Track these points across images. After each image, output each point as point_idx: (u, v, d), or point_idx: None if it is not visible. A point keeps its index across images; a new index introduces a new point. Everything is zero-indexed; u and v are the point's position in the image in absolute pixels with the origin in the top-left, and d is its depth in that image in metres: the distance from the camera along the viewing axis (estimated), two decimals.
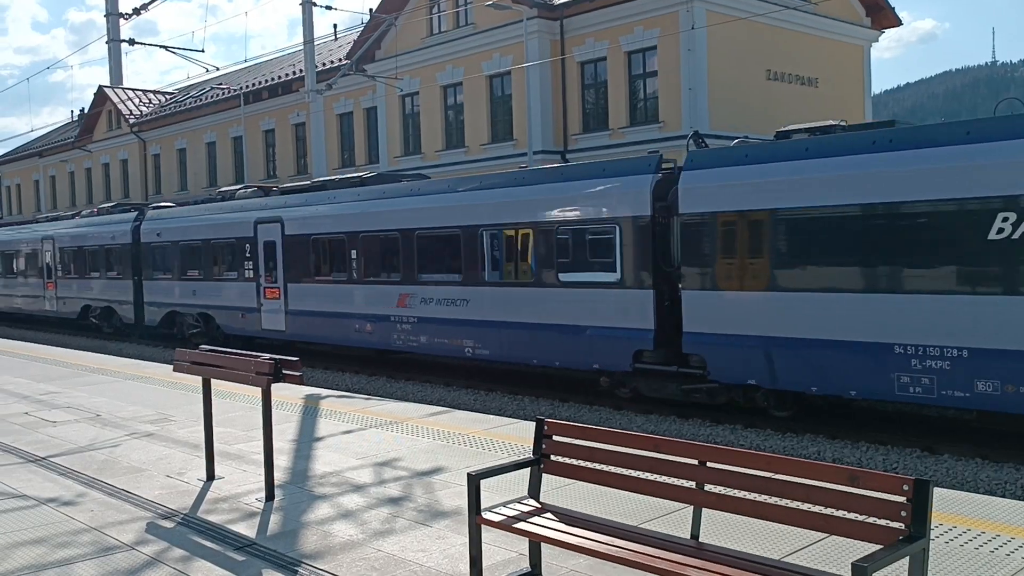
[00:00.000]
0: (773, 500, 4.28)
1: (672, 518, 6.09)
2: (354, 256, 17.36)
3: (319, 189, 19.21)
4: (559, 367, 14.45)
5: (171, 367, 9.53)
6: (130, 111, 44.71)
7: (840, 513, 4.00)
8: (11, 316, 34.20)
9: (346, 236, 17.52)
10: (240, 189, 22.21)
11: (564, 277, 13.68)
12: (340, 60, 32.09)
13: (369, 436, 9.21)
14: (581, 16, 26.02)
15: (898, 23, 30.18)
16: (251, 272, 19.99)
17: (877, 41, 30.35)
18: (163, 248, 23.21)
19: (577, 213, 13.59)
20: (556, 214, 13.84)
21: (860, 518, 3.92)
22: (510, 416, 13.04)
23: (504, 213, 14.62)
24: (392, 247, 16.55)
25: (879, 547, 3.69)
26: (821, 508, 4.06)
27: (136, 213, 25.21)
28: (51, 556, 5.80)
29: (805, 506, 4.13)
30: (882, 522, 3.84)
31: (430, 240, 15.83)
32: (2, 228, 36.10)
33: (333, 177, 20.11)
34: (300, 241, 18.58)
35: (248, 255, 20.00)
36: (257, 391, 7.04)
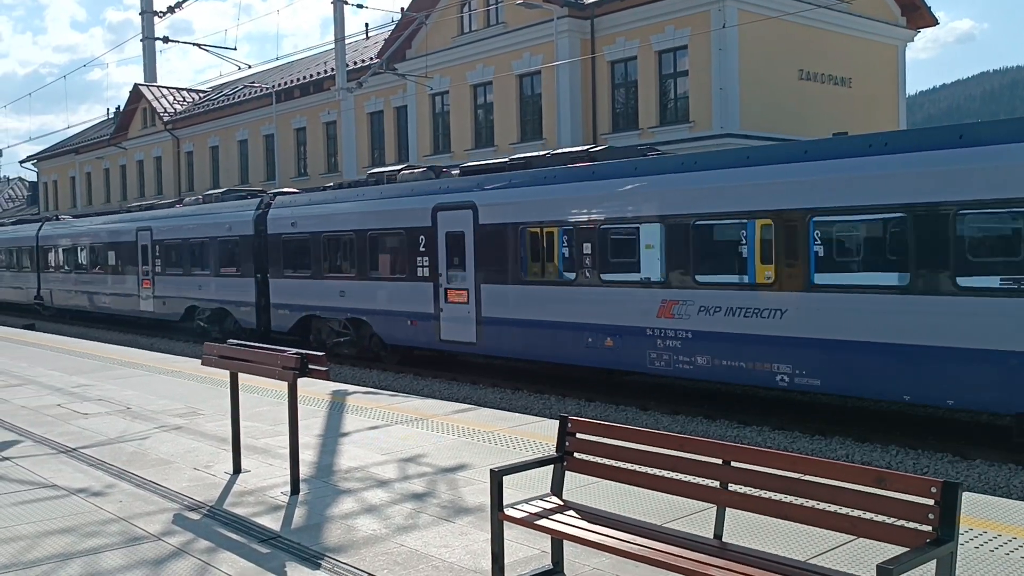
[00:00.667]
0: (798, 501, 4.23)
1: (696, 518, 6.05)
2: (586, 251, 13.89)
3: (522, 167, 15.73)
4: (952, 407, 10.85)
5: (199, 361, 9.63)
6: (164, 109, 45.21)
7: (867, 515, 3.95)
8: (89, 316, 31.15)
9: (573, 226, 14.07)
10: (403, 169, 18.55)
11: (964, 282, 9.88)
12: (371, 59, 32.23)
13: (395, 432, 9.24)
14: (612, 15, 25.93)
15: (934, 23, 29.76)
16: (426, 270, 16.53)
17: (912, 41, 29.96)
18: (298, 240, 19.79)
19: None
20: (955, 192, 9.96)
21: (887, 520, 3.87)
22: (535, 415, 13.02)
23: (865, 189, 10.63)
24: (649, 240, 13.11)
25: (906, 550, 3.64)
26: (847, 510, 4.01)
27: (259, 200, 22.04)
28: (79, 545, 5.87)
29: (831, 507, 4.08)
30: (910, 525, 3.78)
31: (718, 230, 12.39)
32: (84, 218, 33.54)
33: (541, 153, 16.43)
34: (501, 232, 15.14)
35: (423, 249, 16.52)
36: (284, 387, 7.08)
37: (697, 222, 12.41)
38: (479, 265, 15.58)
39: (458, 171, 17.34)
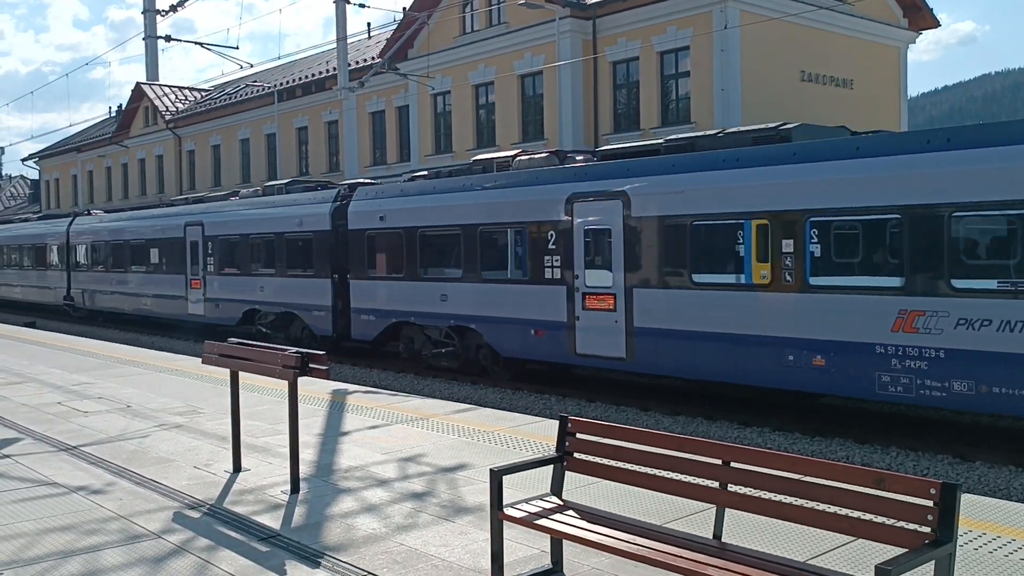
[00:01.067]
0: (798, 502, 4.23)
1: (695, 518, 6.05)
2: (786, 249, 11.41)
3: (685, 149, 13.24)
4: None
5: (199, 359, 9.63)
6: (166, 107, 45.24)
7: (866, 516, 3.95)
8: (126, 319, 28.98)
9: (768, 219, 11.59)
10: (518, 155, 16.19)
11: None
12: (373, 58, 32.24)
13: (396, 432, 9.24)
14: (614, 16, 25.94)
15: (936, 24, 29.76)
16: (557, 271, 14.20)
17: (914, 43, 29.95)
18: (388, 237, 17.45)
19: None
20: None
21: (886, 521, 3.87)
22: (536, 415, 13.01)
23: None
24: (880, 235, 10.70)
25: (905, 551, 3.64)
26: (847, 511, 4.02)
27: (336, 191, 19.61)
28: (80, 543, 5.87)
29: (830, 508, 4.09)
30: (909, 526, 3.79)
31: (988, 223, 9.99)
32: (118, 212, 31.29)
33: (710, 132, 13.72)
34: (663, 227, 12.76)
35: (553, 246, 14.26)
36: (285, 386, 7.09)
37: (957, 213, 9.92)
38: (631, 265, 13.15)
39: (584, 157, 15.23)
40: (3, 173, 75.66)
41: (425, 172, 18.80)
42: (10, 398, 11.76)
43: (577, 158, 15.32)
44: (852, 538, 5.41)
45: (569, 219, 14.05)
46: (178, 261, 24.32)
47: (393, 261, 17.44)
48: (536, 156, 15.62)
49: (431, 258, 16.66)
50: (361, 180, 20.90)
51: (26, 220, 37.62)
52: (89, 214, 32.37)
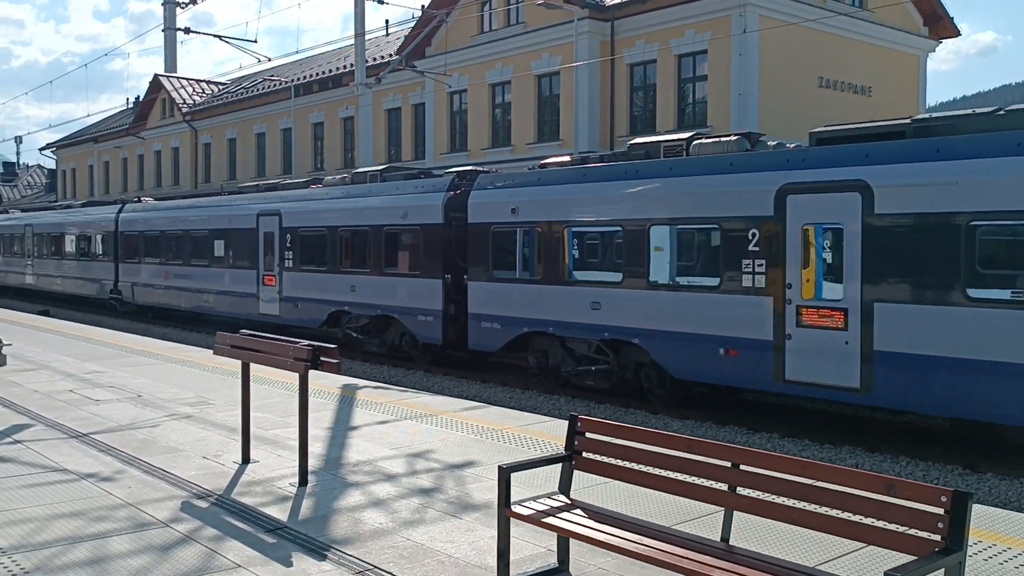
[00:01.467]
0: (807, 506, 4.21)
1: (703, 521, 6.03)
2: None
3: (948, 130, 10.62)
4: None
5: (211, 351, 9.66)
6: (183, 100, 45.44)
7: (876, 523, 3.92)
8: (183, 317, 26.76)
9: None
10: (693, 138, 13.76)
11: None
12: (391, 55, 32.30)
13: (404, 427, 9.25)
14: (632, 18, 25.91)
15: (956, 34, 29.61)
16: (760, 278, 11.79)
17: (934, 51, 29.84)
18: (522, 232, 15.12)
19: None
20: None
21: (896, 528, 3.85)
22: (545, 414, 13.01)
23: None
24: None
25: (914, 558, 3.62)
26: (856, 516, 3.99)
27: (448, 180, 17.26)
28: (88, 529, 5.90)
29: (840, 514, 4.07)
30: (919, 533, 3.76)
31: None
32: (174, 199, 29.31)
33: (988, 110, 10.76)
34: (932, 226, 10.29)
35: (754, 248, 11.88)
36: (295, 379, 7.10)
37: None
38: (871, 274, 10.69)
39: (774, 143, 13.00)
40: (21, 162, 76.11)
41: (564, 158, 16.41)
42: (23, 385, 11.83)
43: (770, 143, 13.11)
44: (862, 544, 5.38)
45: (779, 215, 11.58)
46: (249, 255, 22.01)
47: (528, 261, 15.11)
48: (722, 139, 13.19)
49: (579, 259, 14.32)
50: (477, 168, 18.43)
51: (68, 207, 35.51)
52: (139, 201, 30.54)
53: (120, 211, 29.18)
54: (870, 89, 27.04)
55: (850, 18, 25.51)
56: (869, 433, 11.97)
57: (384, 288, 18.04)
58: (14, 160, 74.98)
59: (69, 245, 32.46)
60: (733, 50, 23.75)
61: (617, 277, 13.66)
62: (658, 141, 14.28)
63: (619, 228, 13.63)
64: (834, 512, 4.08)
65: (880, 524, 3.91)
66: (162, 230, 26.25)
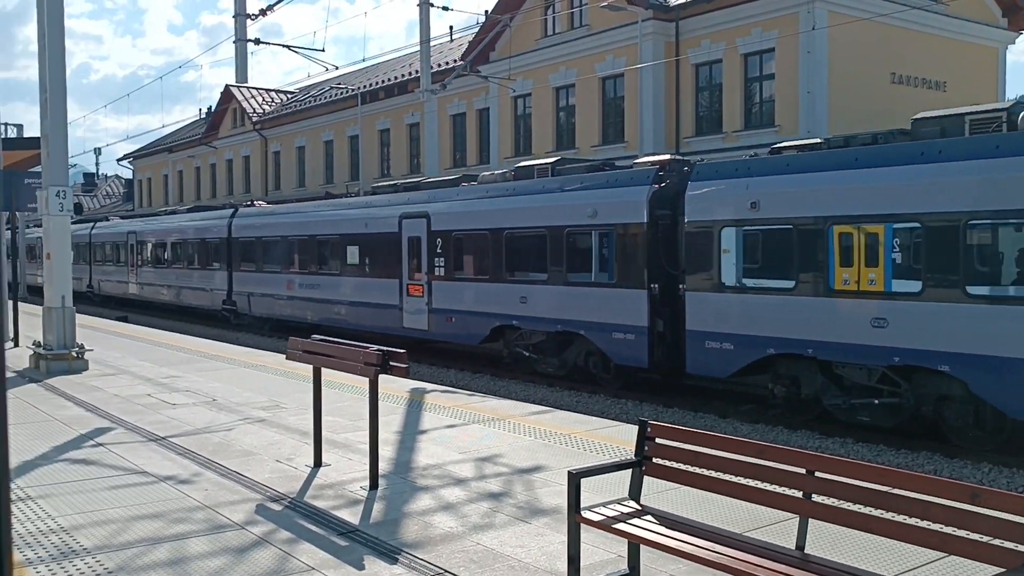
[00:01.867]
0: (886, 515, 4.10)
1: (776, 528, 5.92)
2: None
3: None
4: None
5: (283, 355, 9.84)
6: (253, 109, 46.43)
7: (959, 532, 3.80)
8: (306, 329, 21.43)
9: None
10: None
11: None
12: (455, 61, 32.53)
13: (473, 431, 9.29)
14: (697, 18, 25.63)
15: None
16: None
17: (1014, 43, 28.85)
18: (766, 232, 12.58)
19: None
20: None
21: (980, 539, 3.72)
22: (612, 419, 12.94)
23: None
24: None
25: (1002, 570, 3.49)
26: (938, 525, 3.88)
27: (651, 172, 14.61)
28: (167, 531, 6.06)
29: (920, 523, 3.95)
30: (1005, 544, 3.63)
31: None
32: (290, 203, 27.77)
33: None
34: None
35: None
36: (365, 383, 7.19)
37: None
38: None
39: None
40: (100, 173, 78.70)
41: (815, 140, 13.76)
42: (104, 389, 12.21)
43: None
44: (943, 554, 5.22)
45: None
46: (390, 262, 19.73)
47: (775, 266, 12.40)
48: None
49: (852, 263, 11.52)
50: (673, 156, 16.35)
51: (173, 212, 34.21)
52: (251, 205, 28.64)
53: (233, 216, 27.24)
54: (945, 84, 26.28)
55: (923, 11, 24.82)
56: (947, 438, 11.61)
57: (566, 299, 15.54)
58: (93, 171, 77.58)
59: (176, 253, 30.65)
60: (801, 48, 23.32)
61: (915, 287, 10.89)
62: (992, 109, 11.39)
63: (919, 225, 10.80)
64: (914, 521, 3.96)
65: (963, 534, 3.78)
66: (283, 236, 24.18)
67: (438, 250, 18.37)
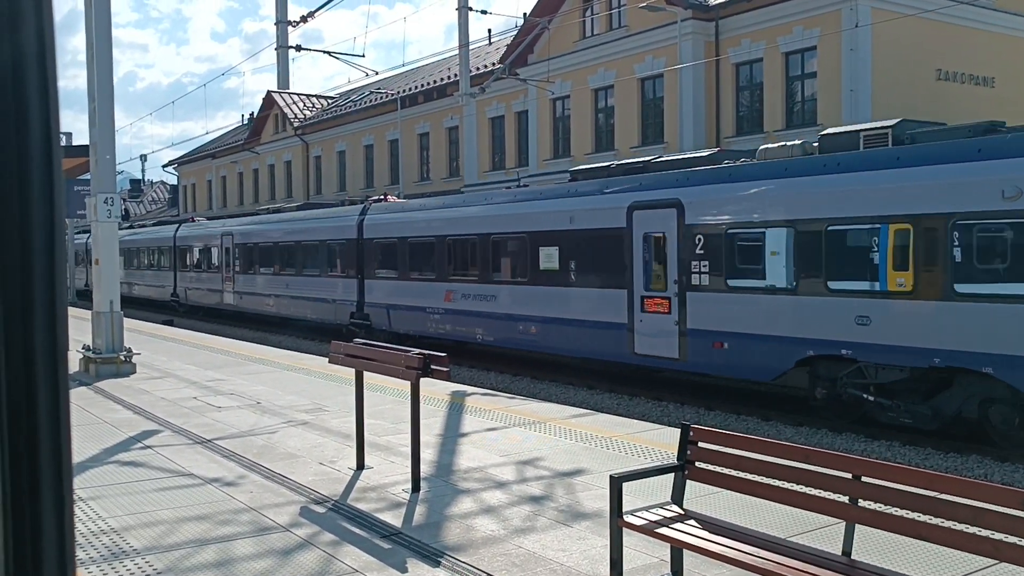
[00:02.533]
0: (935, 520, 4.04)
1: (821, 533, 5.85)
2: None
3: None
4: None
5: (325, 359, 9.93)
6: (295, 115, 46.95)
7: (1010, 539, 3.73)
8: (468, 350, 20.21)
9: None
10: None
11: None
12: (493, 64, 32.60)
13: (513, 434, 9.30)
14: (737, 16, 25.43)
15: None
16: None
17: None
18: None
19: None
20: None
21: None
22: (653, 421, 12.87)
23: None
24: None
25: None
26: (988, 532, 3.81)
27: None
28: (214, 532, 6.14)
29: (970, 529, 3.88)
30: None
31: None
32: (452, 194, 24.22)
33: None
34: None
35: None
36: (406, 386, 7.23)
37: None
38: None
39: None
40: (145, 178, 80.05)
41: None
42: (151, 392, 12.42)
43: None
44: (995, 561, 5.12)
45: None
46: (613, 267, 15.48)
47: None
48: None
49: None
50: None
51: (278, 211, 30.47)
52: (383, 199, 24.73)
53: (364, 213, 23.41)
54: (993, 80, 25.77)
55: (970, 6, 24.37)
56: (995, 441, 11.38)
57: (950, 319, 10.78)
58: (139, 177, 78.93)
59: (288, 257, 26.81)
60: (844, 45, 23.02)
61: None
62: None
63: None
64: (964, 527, 3.90)
65: (1015, 540, 3.71)
66: (440, 235, 20.08)
67: (699, 251, 13.93)
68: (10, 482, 0.91)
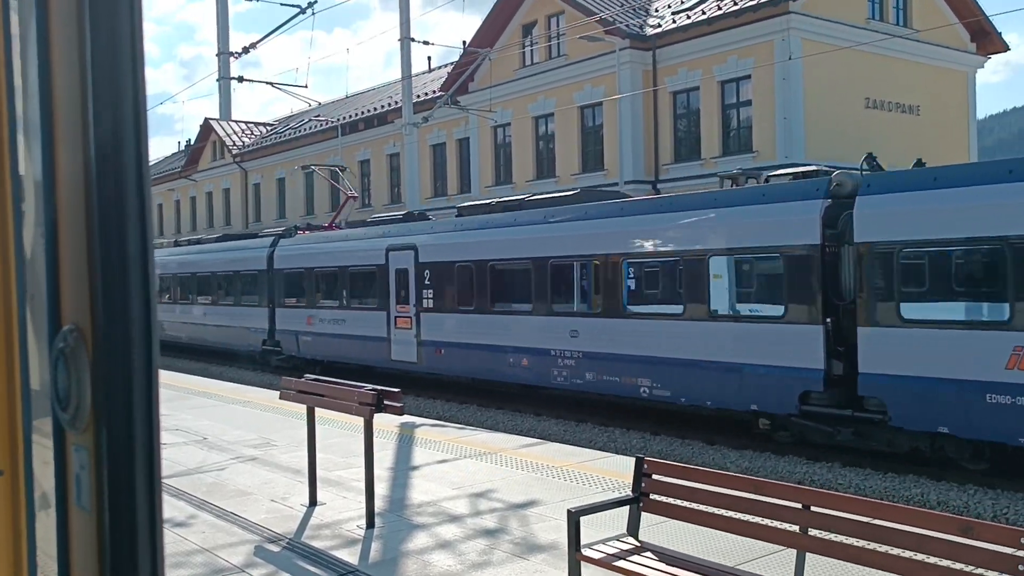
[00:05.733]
0: (881, 548, 4.21)
1: (772, 560, 6.01)
2: None
3: None
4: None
5: (270, 391, 9.86)
6: (233, 142, 46.49)
7: (953, 564, 3.91)
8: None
9: None
10: None
11: None
12: (434, 92, 32.78)
13: (465, 466, 9.34)
14: (674, 46, 26.03)
15: (1005, 48, 29.24)
16: None
17: (983, 67, 29.47)
18: None
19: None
20: None
21: (974, 571, 3.83)
22: (600, 448, 13.02)
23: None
24: None
25: None
26: (933, 558, 3.99)
27: None
28: (168, 575, 6.06)
29: (916, 555, 4.06)
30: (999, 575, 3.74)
31: None
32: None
33: None
34: None
35: None
36: (354, 419, 7.24)
37: None
38: None
39: None
40: None
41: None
42: None
43: None
44: None
45: None
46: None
47: None
48: None
49: None
50: None
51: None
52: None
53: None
54: (919, 108, 26.78)
55: (896, 38, 25.34)
56: (933, 461, 11.76)
57: None
58: None
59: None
60: (776, 75, 23.73)
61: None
62: None
63: None
64: (910, 554, 4.07)
65: (957, 566, 3.89)
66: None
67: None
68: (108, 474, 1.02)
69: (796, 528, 4.55)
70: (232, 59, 21.67)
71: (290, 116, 47.30)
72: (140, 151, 1.04)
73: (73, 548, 1.11)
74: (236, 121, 48.78)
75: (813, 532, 4.51)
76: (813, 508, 4.47)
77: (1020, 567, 3.62)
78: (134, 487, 1.03)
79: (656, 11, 28.37)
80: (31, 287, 1.26)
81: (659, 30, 26.22)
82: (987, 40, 28.78)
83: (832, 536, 4.41)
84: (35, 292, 1.22)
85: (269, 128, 48.14)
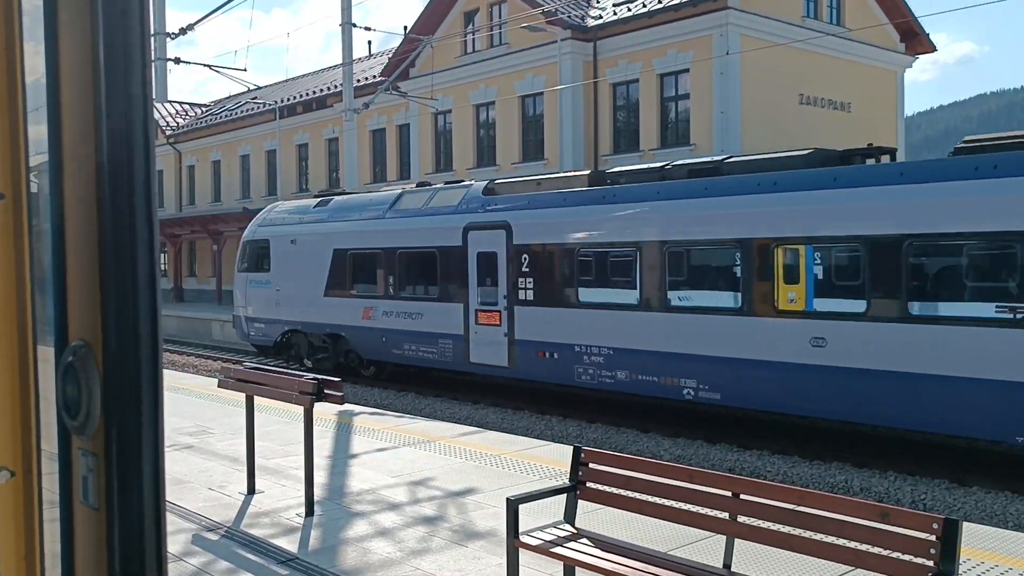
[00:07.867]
0: (805, 533, 4.41)
1: (702, 546, 6.22)
2: None
3: None
4: None
5: (204, 378, 9.79)
6: (167, 123, 45.49)
7: (871, 548, 4.12)
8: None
9: None
10: None
11: None
12: (374, 76, 32.53)
13: (404, 455, 9.40)
14: (615, 38, 26.27)
15: (933, 50, 30.16)
16: None
17: (911, 67, 30.36)
18: None
19: None
20: None
21: (890, 554, 4.05)
22: (538, 436, 13.18)
23: None
24: None
25: None
26: (853, 543, 4.19)
27: None
28: None
29: (837, 540, 4.27)
30: (913, 559, 3.96)
31: None
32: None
33: None
34: None
35: None
36: (292, 407, 7.25)
37: None
38: None
39: None
40: None
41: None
42: None
43: None
44: (856, 569, 5.58)
45: None
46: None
47: None
48: None
49: None
50: None
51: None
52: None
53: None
54: (849, 105, 27.49)
55: (829, 36, 25.95)
56: (856, 448, 12.20)
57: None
58: None
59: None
60: (714, 69, 24.13)
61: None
62: None
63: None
64: (832, 539, 4.28)
65: (876, 550, 4.11)
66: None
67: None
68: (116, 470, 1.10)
69: (726, 515, 4.73)
70: (168, 40, 21.18)
71: (227, 97, 46.43)
72: (148, 164, 1.11)
73: (78, 545, 1.19)
74: (170, 101, 47.73)
75: (742, 519, 4.70)
76: (742, 496, 4.65)
77: (932, 550, 3.84)
78: (142, 488, 1.11)
79: (598, 3, 28.57)
80: (42, 301, 1.33)
81: (600, 22, 26.42)
82: (916, 40, 29.65)
83: (760, 523, 4.60)
84: (46, 306, 1.29)
85: (205, 109, 47.22)
